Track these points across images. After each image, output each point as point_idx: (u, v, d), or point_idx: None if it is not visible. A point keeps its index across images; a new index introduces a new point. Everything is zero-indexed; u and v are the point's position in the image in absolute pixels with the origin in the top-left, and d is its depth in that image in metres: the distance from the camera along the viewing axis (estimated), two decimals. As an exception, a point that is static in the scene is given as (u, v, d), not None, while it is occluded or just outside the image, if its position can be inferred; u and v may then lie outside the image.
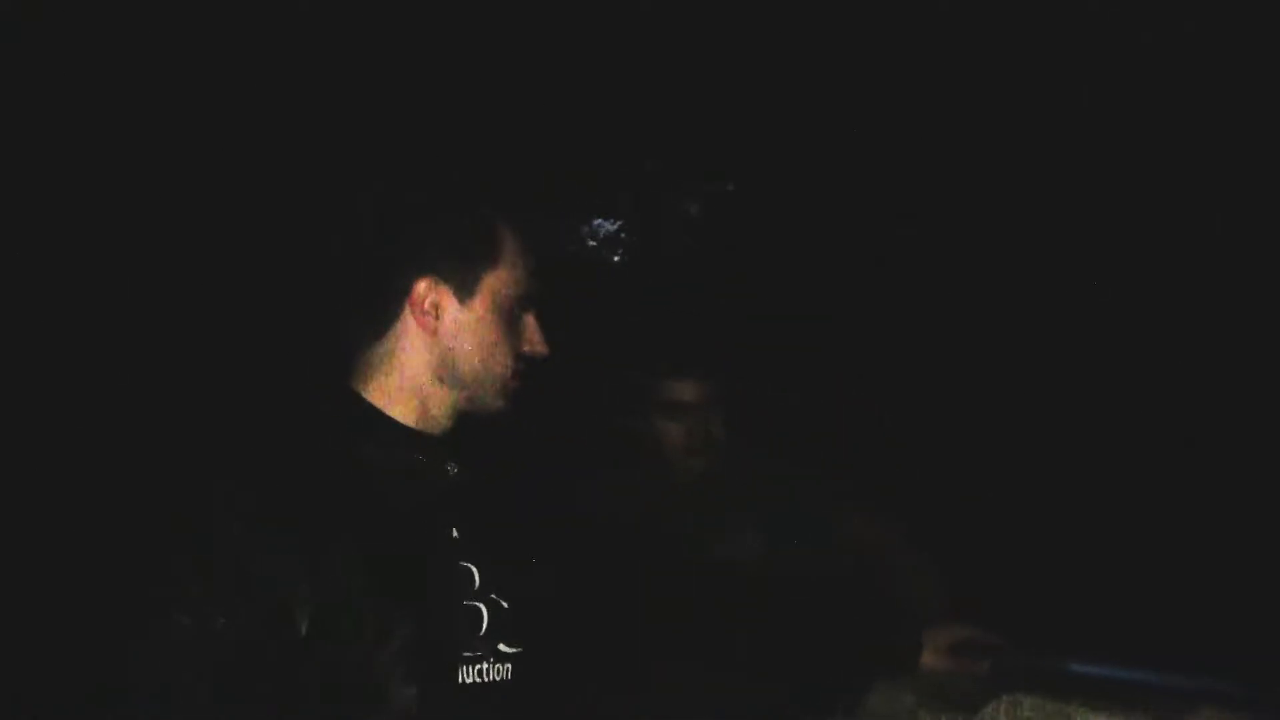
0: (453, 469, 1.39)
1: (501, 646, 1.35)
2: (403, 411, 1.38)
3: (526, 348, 1.40)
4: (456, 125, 3.29)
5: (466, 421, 1.42)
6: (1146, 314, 3.76)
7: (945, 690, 1.76)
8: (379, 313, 1.37)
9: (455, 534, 1.36)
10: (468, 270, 1.36)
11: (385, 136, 3.23)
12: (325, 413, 1.37)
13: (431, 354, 1.37)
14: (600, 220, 4.29)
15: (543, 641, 1.39)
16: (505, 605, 1.36)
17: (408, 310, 1.37)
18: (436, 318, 1.36)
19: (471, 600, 1.34)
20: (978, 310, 4.01)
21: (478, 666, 1.33)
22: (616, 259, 4.36)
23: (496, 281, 1.37)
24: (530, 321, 1.41)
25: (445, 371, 1.38)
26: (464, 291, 1.37)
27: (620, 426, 2.28)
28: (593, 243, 4.31)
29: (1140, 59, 3.60)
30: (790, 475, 2.33)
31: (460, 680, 1.31)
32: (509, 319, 1.38)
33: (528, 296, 1.40)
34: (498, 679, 1.34)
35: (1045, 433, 3.78)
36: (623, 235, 4.35)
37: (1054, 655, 1.76)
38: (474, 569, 1.35)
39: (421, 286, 1.36)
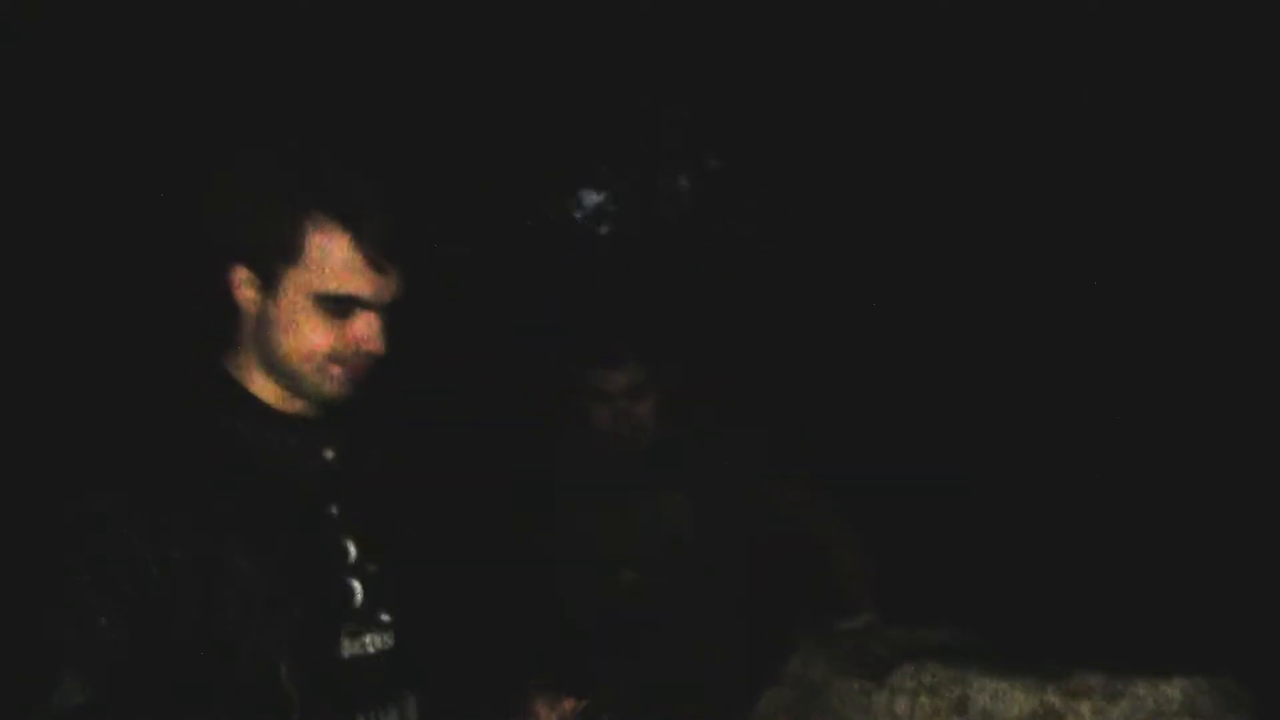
0: (330, 454, 1.44)
1: (382, 616, 1.43)
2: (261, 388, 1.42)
3: (355, 345, 1.39)
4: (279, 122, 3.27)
5: (323, 407, 1.44)
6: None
7: (856, 657, 1.88)
8: (206, 294, 1.40)
9: (334, 511, 1.42)
10: (268, 264, 1.37)
11: (207, 129, 3.22)
12: (194, 389, 1.42)
13: (256, 341, 1.41)
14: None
15: (417, 606, 1.47)
16: (377, 573, 1.43)
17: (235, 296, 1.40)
18: (252, 306, 1.40)
19: (349, 575, 1.41)
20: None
21: (362, 639, 1.41)
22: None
23: (300, 277, 1.36)
24: (364, 319, 1.38)
25: (264, 357, 1.41)
26: (269, 283, 1.38)
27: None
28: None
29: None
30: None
31: (348, 653, 1.39)
32: (321, 314, 1.37)
33: (345, 296, 1.37)
34: (383, 647, 1.42)
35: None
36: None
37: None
38: (350, 544, 1.42)
39: (238, 274, 1.39)
